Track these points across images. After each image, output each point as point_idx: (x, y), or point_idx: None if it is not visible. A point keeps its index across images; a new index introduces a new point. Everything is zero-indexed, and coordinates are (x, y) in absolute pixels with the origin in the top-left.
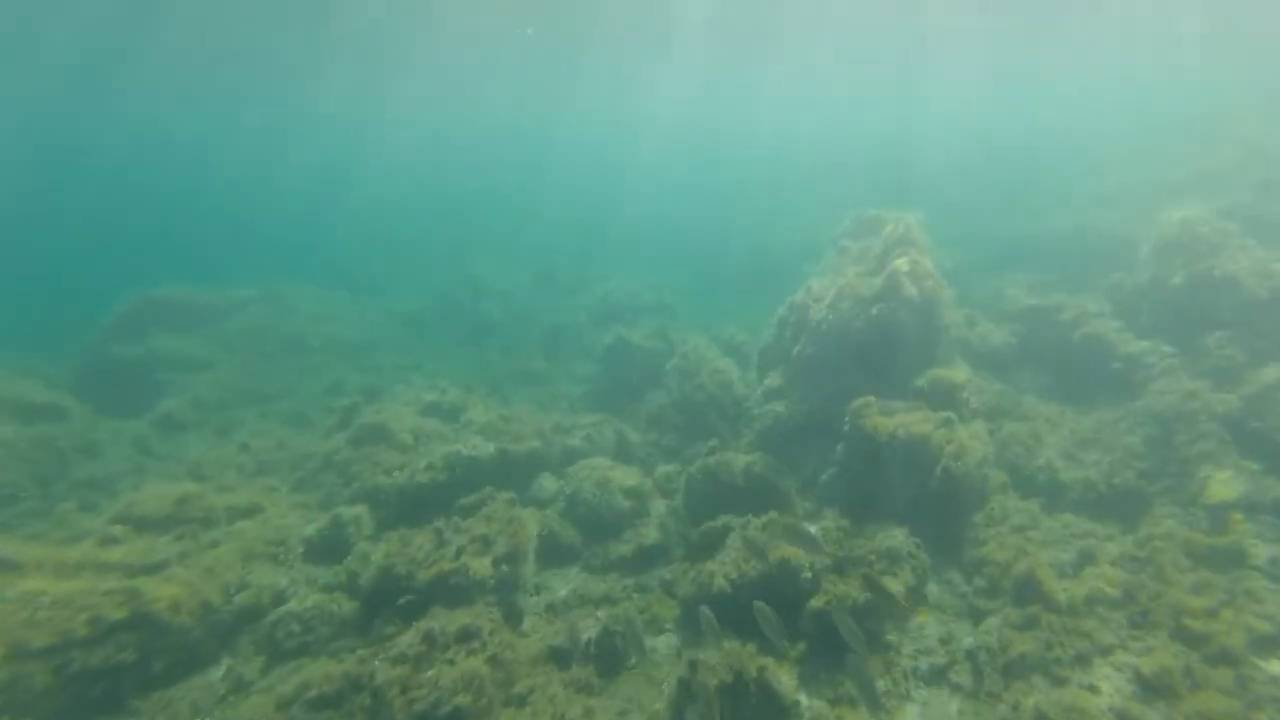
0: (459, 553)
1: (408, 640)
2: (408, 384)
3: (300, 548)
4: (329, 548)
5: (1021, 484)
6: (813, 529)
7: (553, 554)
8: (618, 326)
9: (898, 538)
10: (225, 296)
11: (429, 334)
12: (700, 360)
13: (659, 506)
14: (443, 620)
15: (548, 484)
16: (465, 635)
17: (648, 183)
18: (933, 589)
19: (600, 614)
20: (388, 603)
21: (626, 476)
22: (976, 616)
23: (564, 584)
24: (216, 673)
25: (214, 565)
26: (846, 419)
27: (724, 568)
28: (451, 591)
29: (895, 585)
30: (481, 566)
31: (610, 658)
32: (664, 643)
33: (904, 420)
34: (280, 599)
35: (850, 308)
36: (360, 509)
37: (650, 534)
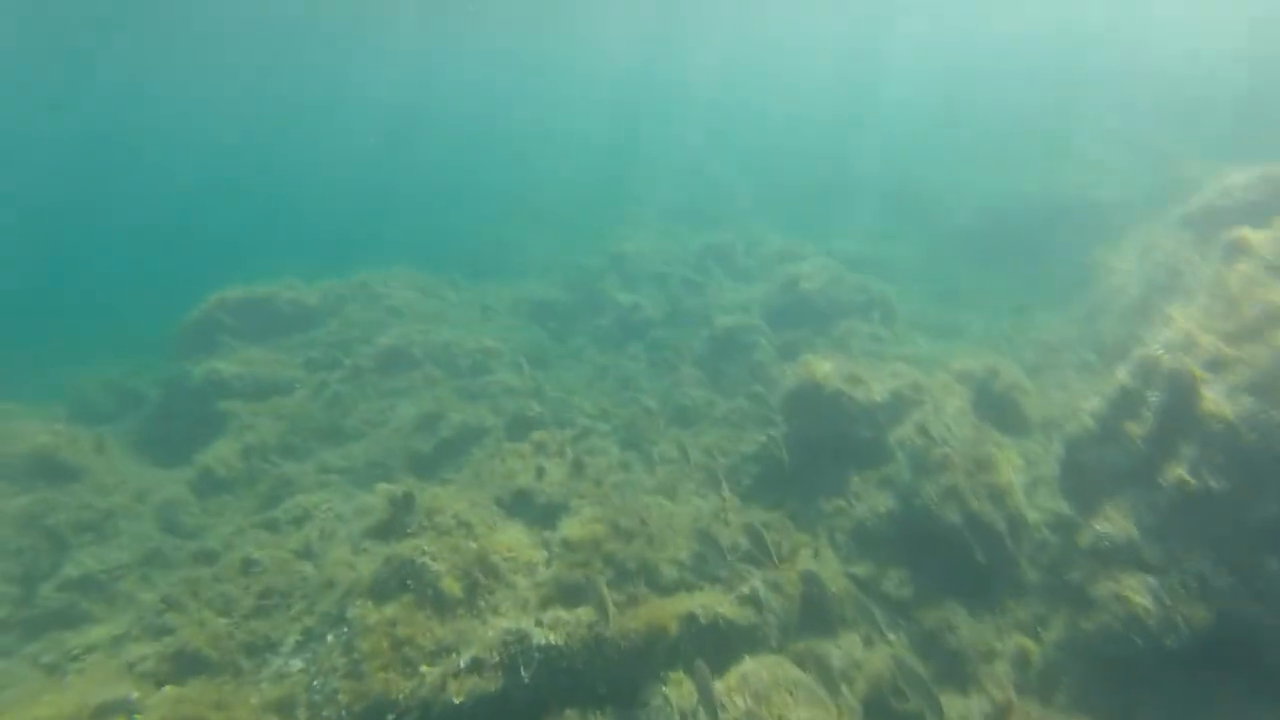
0: None
1: None
2: (498, 452)
3: None
4: None
5: None
6: None
7: None
8: (806, 355)
9: None
10: (317, 291)
11: (560, 332)
12: (950, 440)
13: None
14: None
15: (677, 695)
16: None
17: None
18: None
19: None
20: None
21: (815, 709)
22: None
23: None
24: None
25: None
26: None
27: None
28: None
29: None
30: None
31: None
32: None
33: None
34: None
35: None
36: None
37: None
